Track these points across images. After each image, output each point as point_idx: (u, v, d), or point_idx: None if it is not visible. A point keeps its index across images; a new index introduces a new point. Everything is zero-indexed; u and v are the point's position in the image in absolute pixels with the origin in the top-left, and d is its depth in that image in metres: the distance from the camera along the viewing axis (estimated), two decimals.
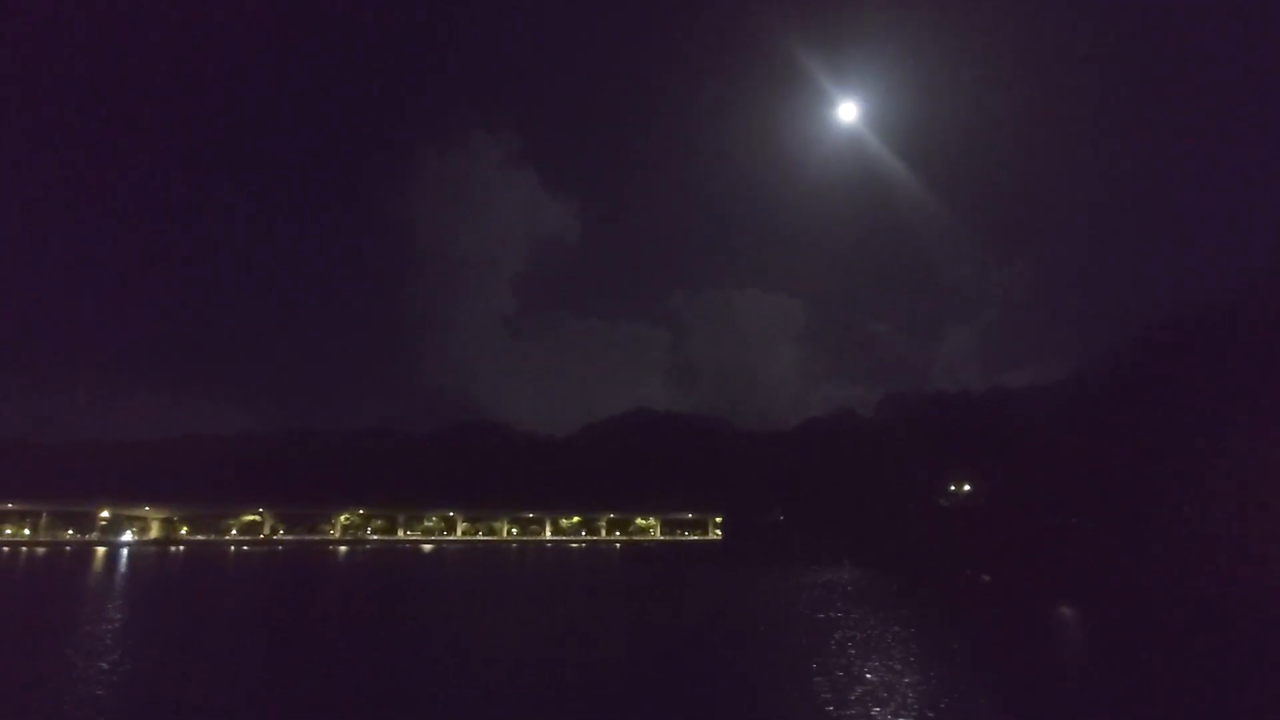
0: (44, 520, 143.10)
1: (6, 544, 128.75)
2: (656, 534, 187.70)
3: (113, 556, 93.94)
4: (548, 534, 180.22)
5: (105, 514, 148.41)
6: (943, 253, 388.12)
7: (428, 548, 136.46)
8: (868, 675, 20.32)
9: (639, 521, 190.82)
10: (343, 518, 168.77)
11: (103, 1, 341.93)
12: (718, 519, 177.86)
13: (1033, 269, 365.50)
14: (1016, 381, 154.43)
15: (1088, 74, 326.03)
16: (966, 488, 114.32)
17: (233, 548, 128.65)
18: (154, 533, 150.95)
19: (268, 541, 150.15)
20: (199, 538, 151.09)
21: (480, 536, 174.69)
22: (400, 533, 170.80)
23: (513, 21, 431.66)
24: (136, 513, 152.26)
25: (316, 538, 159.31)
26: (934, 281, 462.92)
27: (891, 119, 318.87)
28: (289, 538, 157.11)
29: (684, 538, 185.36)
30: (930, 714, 16.45)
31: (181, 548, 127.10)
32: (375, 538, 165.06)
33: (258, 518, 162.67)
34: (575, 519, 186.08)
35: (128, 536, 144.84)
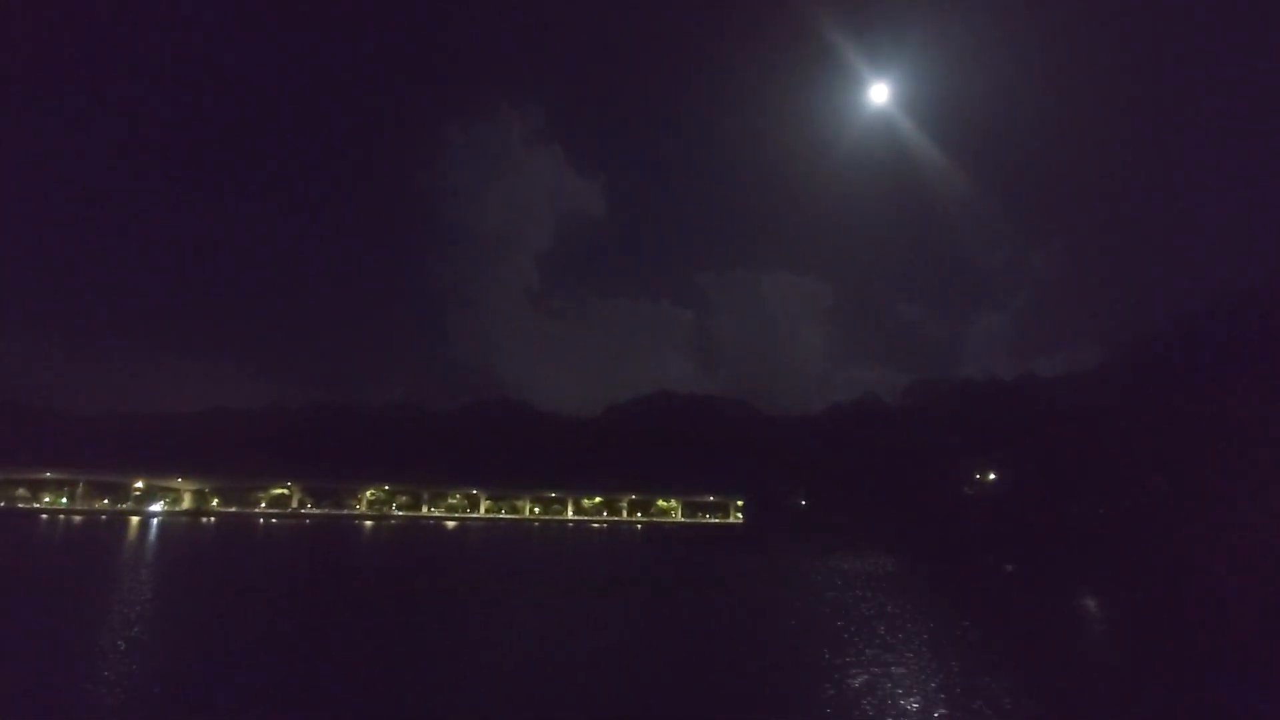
0: (81, 489, 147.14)
1: (45, 511, 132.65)
2: (678, 516, 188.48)
3: (146, 526, 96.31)
4: (570, 514, 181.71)
5: (140, 484, 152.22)
6: (975, 236, 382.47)
7: (451, 525, 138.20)
8: (893, 667, 20.22)
9: (660, 503, 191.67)
10: (369, 493, 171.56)
11: None
12: (739, 502, 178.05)
13: (1066, 254, 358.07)
14: (1048, 369, 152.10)
15: (1124, 59, 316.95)
16: (992, 476, 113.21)
17: (261, 520, 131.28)
18: (186, 504, 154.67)
19: (295, 515, 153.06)
20: (229, 509, 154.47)
21: (503, 515, 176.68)
22: (424, 509, 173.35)
23: None
24: (170, 484, 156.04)
25: (343, 512, 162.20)
26: (965, 265, 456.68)
27: (924, 101, 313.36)
28: (316, 511, 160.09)
29: (705, 520, 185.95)
30: (945, 706, 16.34)
31: (212, 519, 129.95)
32: (400, 513, 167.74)
33: (286, 491, 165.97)
34: (597, 499, 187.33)
35: (161, 507, 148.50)
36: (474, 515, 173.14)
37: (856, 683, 18.35)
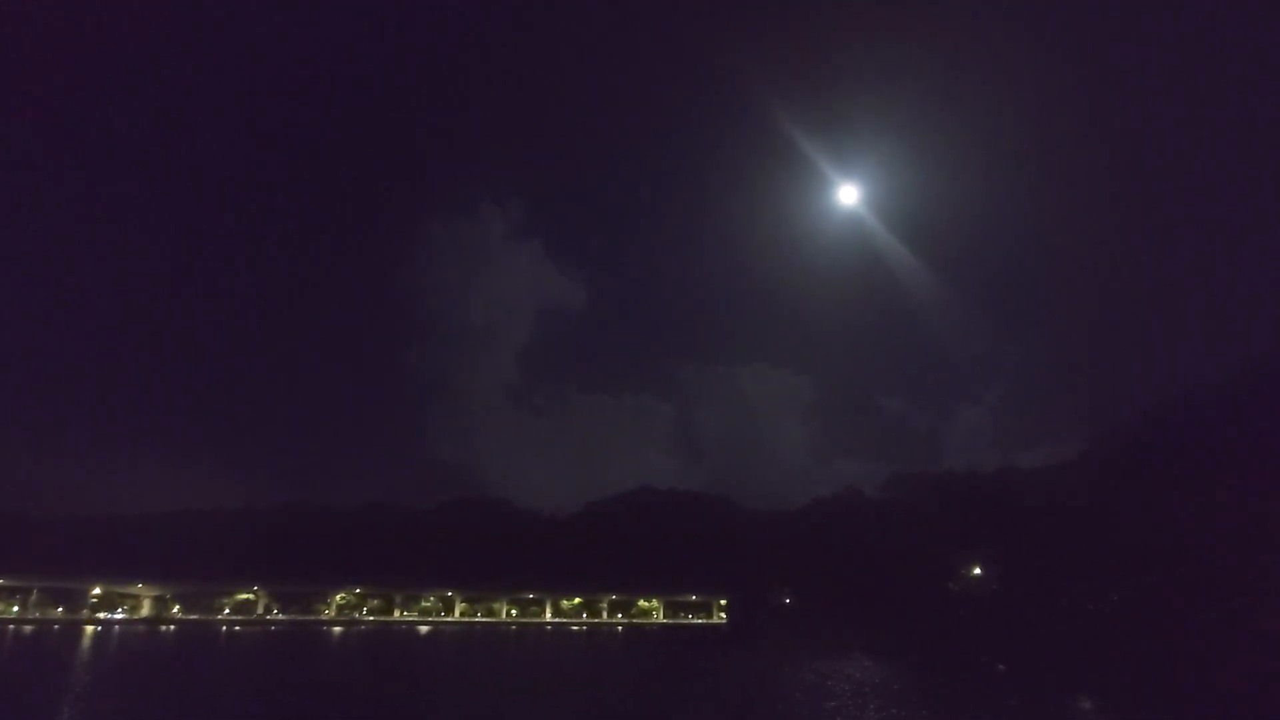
0: (34, 597, 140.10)
1: None
2: (659, 616, 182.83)
3: (101, 636, 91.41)
4: (548, 615, 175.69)
5: (97, 591, 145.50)
6: (951, 330, 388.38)
7: (424, 629, 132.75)
8: None
9: (641, 604, 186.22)
10: (338, 597, 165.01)
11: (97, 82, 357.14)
12: (722, 601, 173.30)
13: (1042, 346, 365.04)
14: (1030, 460, 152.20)
15: (1092, 157, 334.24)
16: (977, 570, 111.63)
17: (224, 628, 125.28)
18: (145, 611, 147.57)
19: (261, 621, 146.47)
20: (191, 616, 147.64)
21: (479, 618, 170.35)
22: (396, 613, 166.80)
23: (521, 94, 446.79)
24: (129, 590, 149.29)
25: (310, 618, 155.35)
26: (944, 358, 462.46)
27: (893, 201, 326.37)
28: (283, 618, 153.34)
29: (687, 620, 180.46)
30: None
31: (172, 627, 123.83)
32: (370, 618, 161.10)
33: (252, 596, 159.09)
34: (576, 600, 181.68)
35: (119, 615, 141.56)
36: (448, 619, 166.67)
37: None
